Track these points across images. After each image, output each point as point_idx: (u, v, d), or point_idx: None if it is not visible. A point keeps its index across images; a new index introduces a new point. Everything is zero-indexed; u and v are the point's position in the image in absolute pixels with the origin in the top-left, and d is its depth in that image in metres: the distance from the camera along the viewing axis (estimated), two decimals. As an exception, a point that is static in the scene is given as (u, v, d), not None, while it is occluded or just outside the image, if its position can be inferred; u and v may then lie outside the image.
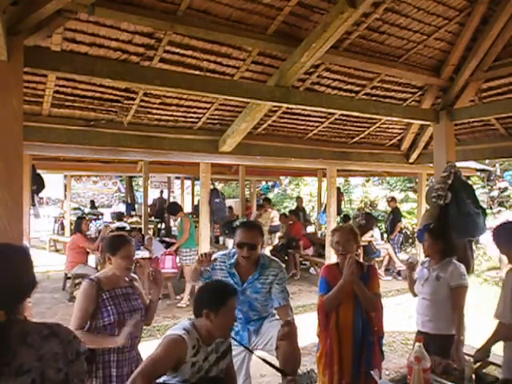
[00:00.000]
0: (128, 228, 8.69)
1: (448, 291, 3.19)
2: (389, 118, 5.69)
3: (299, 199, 12.68)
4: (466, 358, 2.88)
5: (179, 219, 7.48)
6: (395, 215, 9.89)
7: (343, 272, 2.88)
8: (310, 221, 12.16)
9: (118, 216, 10.79)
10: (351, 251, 2.94)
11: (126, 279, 2.75)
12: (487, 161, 11.27)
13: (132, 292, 2.72)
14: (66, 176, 13.33)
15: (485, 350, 2.82)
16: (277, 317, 2.96)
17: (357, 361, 2.89)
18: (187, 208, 15.82)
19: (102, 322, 2.54)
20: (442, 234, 3.41)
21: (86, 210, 15.64)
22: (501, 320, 2.83)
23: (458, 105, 5.20)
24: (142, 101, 4.79)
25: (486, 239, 7.69)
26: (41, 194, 8.02)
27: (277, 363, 2.62)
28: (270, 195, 19.45)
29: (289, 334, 2.64)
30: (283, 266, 3.12)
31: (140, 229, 9.88)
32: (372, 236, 9.11)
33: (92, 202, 16.80)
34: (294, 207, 13.21)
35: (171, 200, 16.18)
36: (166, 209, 10.99)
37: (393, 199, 10.43)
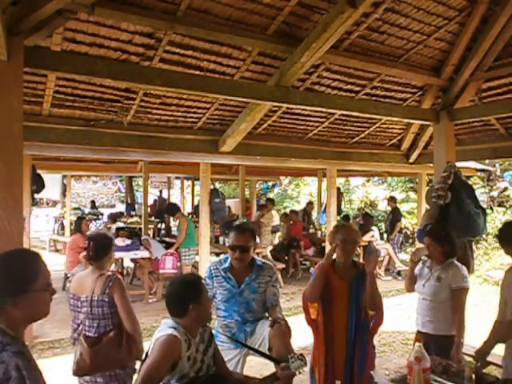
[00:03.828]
0: (126, 229, 8.66)
1: (449, 292, 3.17)
2: (389, 118, 5.69)
3: (310, 204, 12.43)
4: (466, 358, 2.88)
5: (178, 220, 7.49)
6: (395, 215, 9.88)
7: (325, 254, 2.96)
8: (313, 224, 12.04)
9: (113, 217, 10.68)
10: (353, 251, 3.00)
11: None
12: (487, 161, 11.25)
13: None
14: (65, 176, 13.32)
15: (485, 352, 2.75)
16: (270, 318, 2.98)
17: (349, 361, 2.88)
18: (188, 208, 15.82)
19: None
20: (446, 237, 3.35)
21: (86, 210, 15.64)
22: (501, 319, 2.81)
23: (458, 105, 5.20)
24: (142, 101, 4.79)
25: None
26: (40, 195, 8.02)
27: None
28: (270, 195, 19.44)
29: (280, 334, 2.67)
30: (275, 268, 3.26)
31: (139, 229, 9.87)
32: (373, 236, 9.11)
33: (92, 202, 16.78)
34: (293, 207, 13.15)
35: (171, 200, 16.16)
36: (164, 209, 10.96)
37: (391, 199, 10.42)
